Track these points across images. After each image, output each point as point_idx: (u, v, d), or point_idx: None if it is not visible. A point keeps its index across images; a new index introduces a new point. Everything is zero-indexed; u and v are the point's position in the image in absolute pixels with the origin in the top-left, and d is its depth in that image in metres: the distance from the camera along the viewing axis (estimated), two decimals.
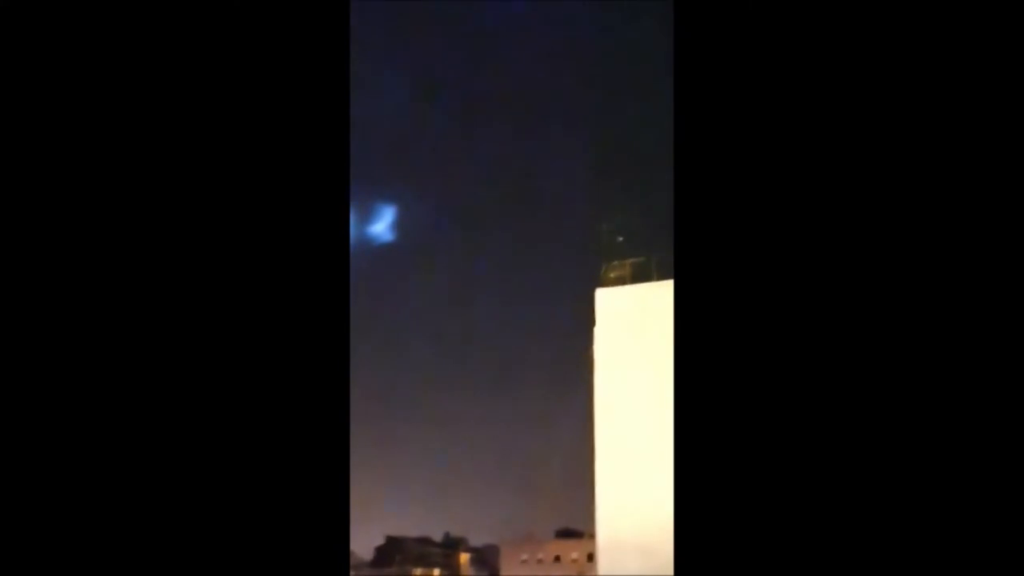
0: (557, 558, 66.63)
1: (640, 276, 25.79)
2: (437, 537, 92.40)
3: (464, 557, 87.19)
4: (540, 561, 67.11)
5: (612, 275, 26.43)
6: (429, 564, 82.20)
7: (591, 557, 46.78)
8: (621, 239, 28.89)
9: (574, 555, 64.03)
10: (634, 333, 24.87)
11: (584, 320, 26.83)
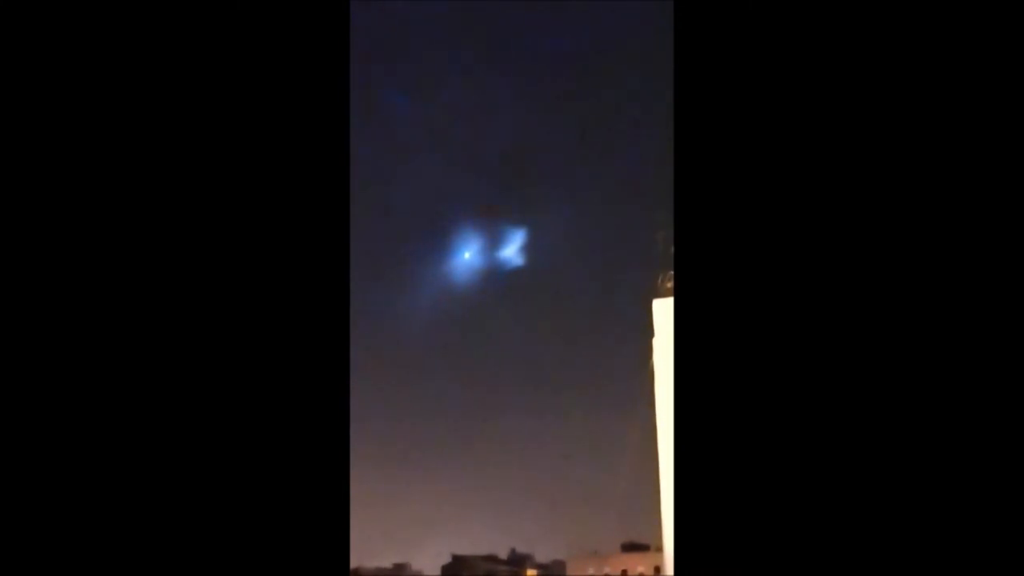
0: (624, 572, 66.06)
1: None
2: (503, 554, 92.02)
3: (531, 573, 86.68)
4: (607, 575, 66.61)
5: (668, 285, 26.34)
6: None
7: (658, 570, 46.30)
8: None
9: (640, 568, 63.44)
10: None
11: (643, 331, 26.78)
